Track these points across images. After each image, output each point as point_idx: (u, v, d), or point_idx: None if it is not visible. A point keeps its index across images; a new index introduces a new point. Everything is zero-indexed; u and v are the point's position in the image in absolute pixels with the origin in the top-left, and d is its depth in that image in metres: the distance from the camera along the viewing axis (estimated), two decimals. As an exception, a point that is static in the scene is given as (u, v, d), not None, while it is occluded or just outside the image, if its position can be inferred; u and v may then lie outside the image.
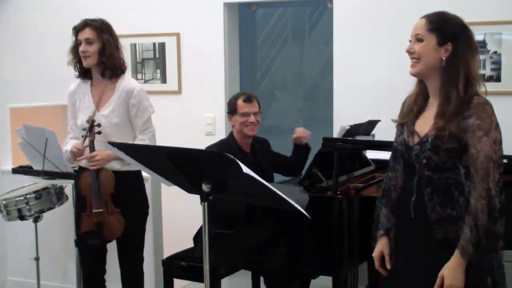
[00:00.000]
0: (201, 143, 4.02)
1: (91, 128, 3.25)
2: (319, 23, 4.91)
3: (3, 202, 3.76)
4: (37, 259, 4.01)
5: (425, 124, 2.31)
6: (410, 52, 2.33)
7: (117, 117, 3.35)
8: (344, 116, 4.09)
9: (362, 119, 3.73)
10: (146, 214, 3.56)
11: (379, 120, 3.79)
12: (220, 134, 4.44)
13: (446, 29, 2.29)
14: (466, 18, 2.38)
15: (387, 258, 2.44)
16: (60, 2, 4.86)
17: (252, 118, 3.53)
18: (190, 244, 3.73)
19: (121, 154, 2.45)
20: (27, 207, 3.73)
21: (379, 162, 3.73)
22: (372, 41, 4.13)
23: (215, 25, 4.50)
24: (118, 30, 4.72)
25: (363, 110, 4.07)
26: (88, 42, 3.32)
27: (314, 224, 2.75)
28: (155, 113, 4.71)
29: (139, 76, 4.71)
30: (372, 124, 3.76)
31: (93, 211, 3.27)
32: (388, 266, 2.43)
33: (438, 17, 2.33)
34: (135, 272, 3.55)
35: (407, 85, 4.04)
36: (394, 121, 2.49)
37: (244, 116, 3.52)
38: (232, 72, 4.61)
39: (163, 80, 4.66)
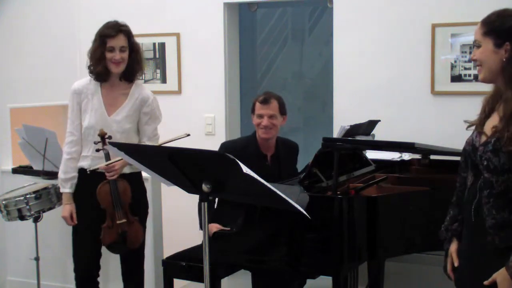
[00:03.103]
0: (201, 143, 4.03)
1: (104, 141, 3.26)
2: (319, 23, 4.91)
3: (3, 202, 3.75)
4: (37, 259, 4.00)
5: (492, 125, 2.22)
6: (473, 60, 2.27)
7: (129, 123, 3.36)
8: (344, 116, 4.09)
9: (362, 119, 3.73)
10: (147, 213, 3.59)
11: (379, 120, 3.80)
12: (220, 134, 4.45)
13: (501, 28, 2.18)
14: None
15: (454, 257, 2.37)
16: (61, 2, 4.86)
17: (265, 121, 3.40)
18: (190, 244, 3.73)
19: (121, 154, 2.45)
20: (27, 207, 3.72)
21: (379, 162, 3.73)
22: (372, 41, 4.13)
23: (215, 25, 4.50)
24: (118, 30, 4.74)
25: (363, 110, 4.08)
26: (123, 49, 3.29)
27: (314, 224, 2.75)
28: (155, 113, 4.72)
29: (139, 76, 4.70)
30: (372, 124, 3.77)
31: (117, 222, 3.29)
32: (456, 263, 2.36)
33: (492, 18, 2.22)
34: (138, 271, 3.58)
35: (407, 85, 4.08)
36: (466, 122, 2.38)
37: (258, 118, 3.43)
38: (232, 72, 4.61)
39: (163, 80, 4.66)
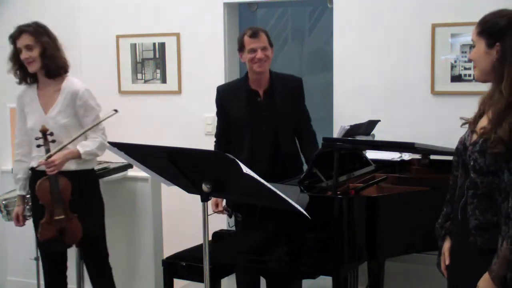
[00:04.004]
0: (201, 143, 4.02)
1: (45, 137, 3.31)
2: (319, 23, 4.91)
3: (3, 202, 3.76)
4: (37, 259, 4.01)
5: (482, 125, 2.23)
6: (469, 59, 2.30)
7: (64, 118, 3.43)
8: (343, 116, 4.09)
9: (362, 119, 3.73)
10: (103, 210, 3.62)
11: (379, 120, 3.79)
12: (220, 134, 4.45)
13: (493, 29, 2.18)
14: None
15: (446, 255, 2.37)
16: (60, 3, 4.86)
17: (259, 54, 3.40)
18: (190, 244, 3.73)
19: (121, 154, 2.45)
20: (27, 207, 3.73)
21: (379, 162, 3.73)
22: (372, 41, 4.13)
23: (215, 25, 4.50)
24: (118, 30, 4.76)
25: (363, 110, 4.07)
26: (28, 48, 3.40)
27: (314, 224, 2.75)
28: (155, 113, 4.72)
29: (139, 76, 4.71)
30: (372, 124, 3.76)
31: (55, 218, 3.33)
32: (447, 261, 2.37)
33: (486, 19, 2.23)
34: (102, 269, 3.62)
35: (407, 85, 4.07)
36: (462, 119, 2.38)
37: (251, 52, 3.42)
38: (232, 72, 4.61)
39: (163, 80, 4.66)
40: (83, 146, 3.41)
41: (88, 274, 3.62)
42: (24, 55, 3.40)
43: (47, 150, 3.31)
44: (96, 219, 3.55)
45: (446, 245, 2.39)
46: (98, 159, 4.00)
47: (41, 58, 3.41)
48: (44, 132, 3.32)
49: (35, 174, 3.45)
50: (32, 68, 3.43)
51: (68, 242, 3.41)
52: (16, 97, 3.59)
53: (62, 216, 3.33)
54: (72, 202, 3.38)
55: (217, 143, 3.69)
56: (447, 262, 2.37)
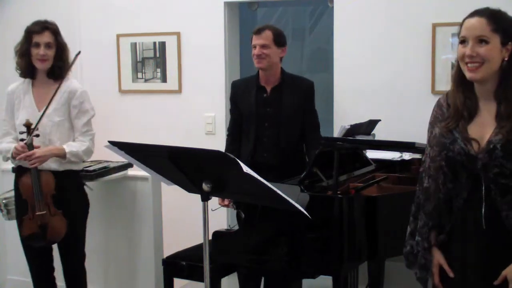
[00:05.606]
0: (201, 142, 4.02)
1: (29, 131, 3.30)
2: (319, 23, 4.91)
3: (3, 201, 3.75)
4: (37, 258, 4.00)
5: (482, 130, 2.16)
6: (471, 56, 2.12)
7: (59, 117, 3.41)
8: (344, 116, 4.09)
9: (362, 119, 3.73)
10: (87, 212, 3.61)
11: (379, 120, 3.79)
12: (220, 133, 4.44)
13: (509, 27, 2.13)
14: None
15: (447, 268, 2.28)
16: (60, 2, 4.86)
17: (256, 50, 3.46)
18: (190, 244, 3.72)
19: (121, 154, 2.44)
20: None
21: (379, 162, 3.73)
22: (372, 41, 4.13)
23: (215, 24, 4.49)
24: (118, 29, 4.76)
25: (363, 110, 4.07)
26: (48, 46, 3.37)
27: (314, 224, 2.75)
28: (156, 112, 4.72)
29: (139, 75, 4.71)
30: (372, 124, 3.76)
31: (36, 213, 3.32)
32: (451, 274, 2.27)
33: (499, 15, 2.15)
34: (77, 270, 3.60)
35: (407, 85, 4.07)
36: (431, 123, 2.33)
37: (253, 48, 3.49)
38: (232, 71, 4.61)
39: (164, 79, 4.66)
40: (70, 146, 3.40)
41: (63, 274, 3.60)
42: (41, 51, 3.36)
43: (31, 144, 3.30)
44: (78, 220, 3.53)
45: (441, 257, 2.30)
46: (98, 158, 4.01)
47: (54, 58, 3.39)
48: (29, 126, 3.30)
49: (20, 171, 3.45)
50: (43, 66, 3.38)
51: (50, 239, 3.38)
52: (6, 93, 3.53)
53: (44, 212, 3.32)
54: (54, 197, 3.36)
55: (228, 136, 3.77)
56: (451, 275, 2.26)
